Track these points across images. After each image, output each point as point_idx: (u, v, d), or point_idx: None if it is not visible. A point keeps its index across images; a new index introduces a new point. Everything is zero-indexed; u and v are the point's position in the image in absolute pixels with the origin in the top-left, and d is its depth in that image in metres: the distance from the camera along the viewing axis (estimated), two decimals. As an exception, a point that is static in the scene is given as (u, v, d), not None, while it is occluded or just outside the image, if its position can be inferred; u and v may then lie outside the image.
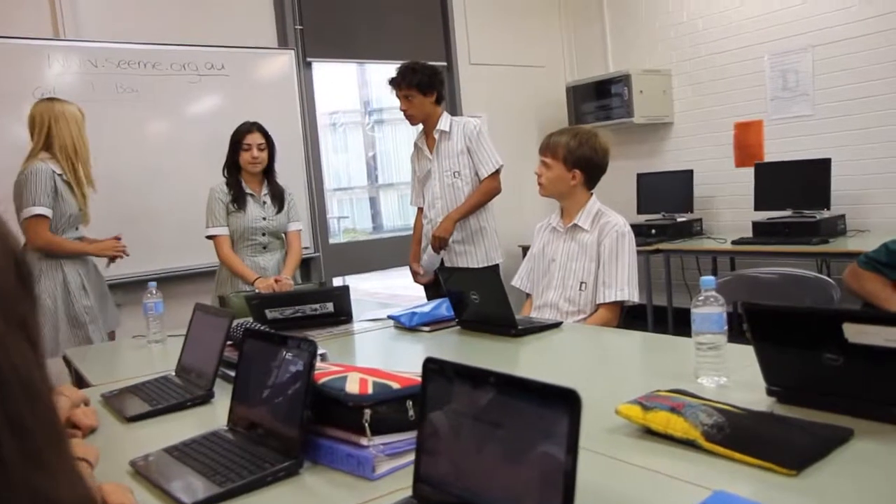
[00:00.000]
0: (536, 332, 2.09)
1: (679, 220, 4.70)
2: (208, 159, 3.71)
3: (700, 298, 1.45)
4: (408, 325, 2.29)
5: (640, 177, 5.08)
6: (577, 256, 2.38)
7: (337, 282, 4.59)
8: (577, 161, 2.35)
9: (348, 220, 7.84)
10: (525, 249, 5.12)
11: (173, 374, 1.82)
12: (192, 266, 3.90)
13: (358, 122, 10.38)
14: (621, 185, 5.15)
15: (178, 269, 3.87)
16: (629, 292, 2.30)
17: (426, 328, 2.27)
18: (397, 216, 11.77)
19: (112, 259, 3.07)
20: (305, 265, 4.39)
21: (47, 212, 2.81)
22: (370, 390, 1.15)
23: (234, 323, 1.71)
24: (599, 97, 5.15)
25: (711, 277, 1.46)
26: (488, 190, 3.25)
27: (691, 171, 4.76)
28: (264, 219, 3.15)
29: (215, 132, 3.99)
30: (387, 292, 6.58)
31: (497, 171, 3.25)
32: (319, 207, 4.54)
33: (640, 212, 5.02)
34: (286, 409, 1.20)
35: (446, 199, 3.28)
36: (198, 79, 4.02)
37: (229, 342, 1.70)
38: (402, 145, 11.80)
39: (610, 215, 2.38)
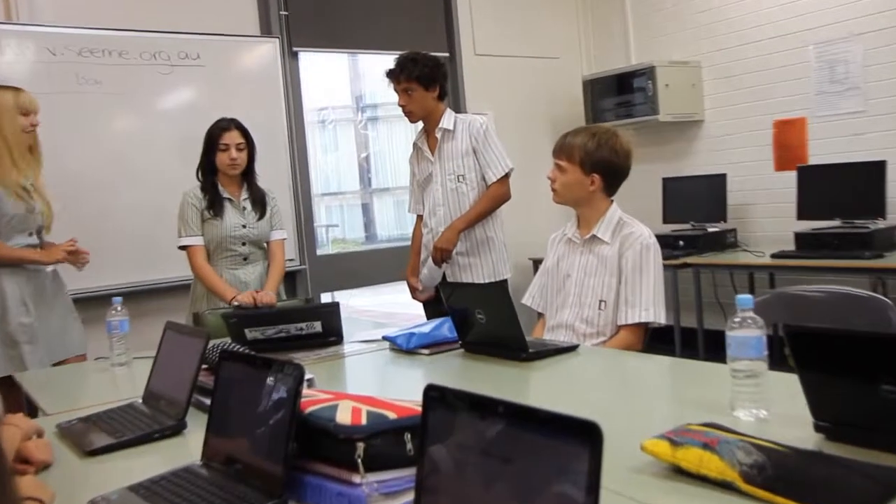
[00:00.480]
0: (550, 357, 2.09)
1: (710, 230, 4.70)
2: (181, 160, 3.74)
3: (736, 319, 1.45)
4: (405, 347, 2.29)
5: (666, 182, 5.09)
6: (596, 271, 2.38)
7: (325, 298, 4.59)
8: (596, 164, 2.36)
9: (338, 229, 7.86)
10: (536, 263, 5.13)
11: (140, 401, 1.82)
12: (162, 279, 3.90)
13: (350, 120, 10.41)
14: (644, 191, 5.15)
15: (146, 282, 3.87)
16: (655, 312, 2.30)
17: (425, 351, 2.27)
18: (393, 225, 11.79)
19: (77, 267, 3.04)
20: (290, 279, 4.39)
21: None
22: (364, 421, 1.15)
23: (210, 344, 1.71)
24: (620, 92, 5.17)
25: (749, 296, 1.46)
26: (496, 196, 3.26)
27: (724, 176, 4.77)
28: (244, 226, 3.16)
29: (189, 130, 4.01)
30: (381, 310, 6.59)
31: (506, 176, 3.27)
32: (306, 215, 4.55)
33: (665, 221, 5.02)
34: (268, 442, 1.20)
35: (449, 205, 3.29)
36: (170, 69, 4.04)
37: (204, 366, 1.70)
38: (399, 145, 11.82)
39: (633, 225, 2.39)
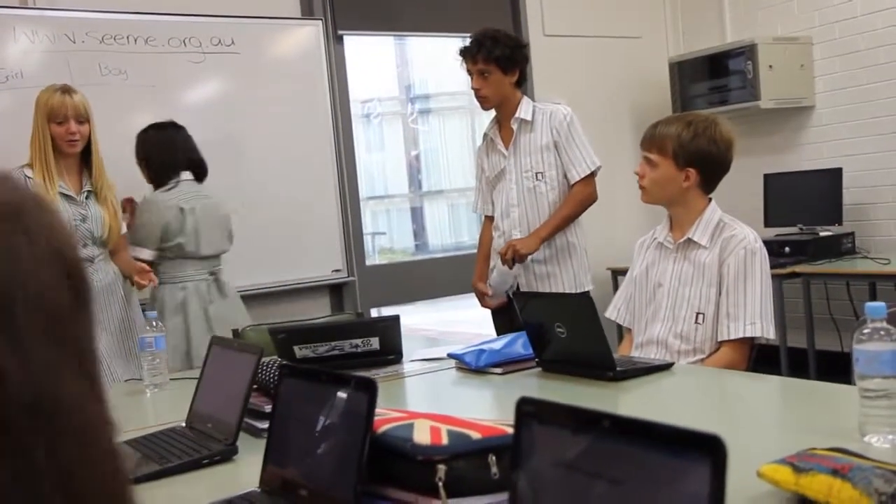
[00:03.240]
0: (641, 376, 2.11)
1: (822, 234, 4.64)
2: (214, 157, 3.85)
3: (865, 331, 1.45)
4: (474, 365, 2.33)
5: (768, 178, 5.04)
6: (692, 280, 2.39)
7: (376, 314, 4.66)
8: (692, 157, 2.37)
9: (385, 238, 7.96)
10: (616, 273, 5.14)
11: (183, 424, 1.89)
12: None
13: (397, 113, 10.52)
14: (743, 190, 5.09)
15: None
16: (762, 327, 2.30)
17: (497, 370, 2.30)
18: (447, 232, 11.85)
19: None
20: (336, 293, 4.48)
21: None
22: (444, 440, 1.19)
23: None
24: (714, 75, 5.15)
25: (881, 304, 1.46)
26: (583, 198, 3.29)
27: (839, 171, 4.70)
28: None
29: (223, 124, 4.15)
30: (439, 328, 6.66)
31: (593, 174, 3.30)
32: (354, 221, 4.62)
33: (768, 224, 4.97)
34: (336, 466, 1.24)
35: (526, 206, 3.32)
36: (202, 57, 4.16)
37: (255, 386, 1.76)
38: (454, 141, 11.91)
39: (735, 227, 2.39)
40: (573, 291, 3.30)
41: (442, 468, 1.17)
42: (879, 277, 4.25)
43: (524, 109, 3.31)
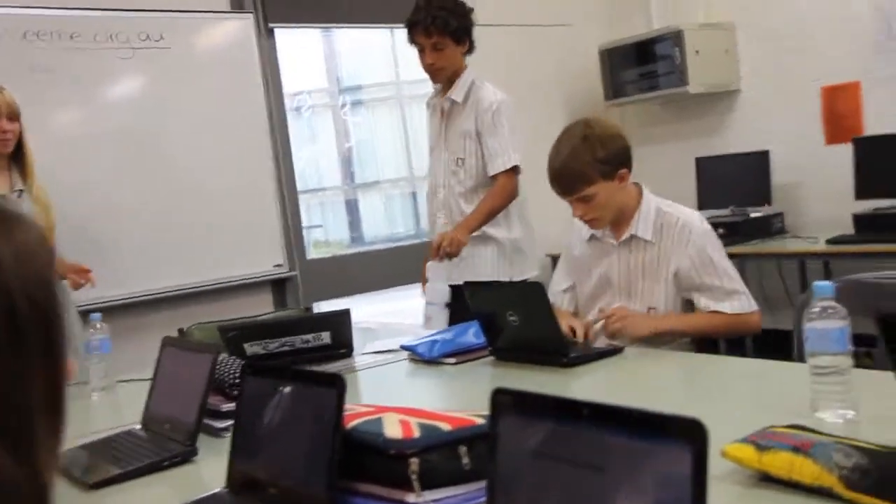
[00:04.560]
0: (594, 361, 2.13)
1: (753, 215, 4.75)
2: (146, 153, 3.79)
3: (815, 309, 1.49)
4: (427, 356, 2.33)
5: (699, 162, 5.14)
6: (642, 276, 2.39)
7: (318, 308, 4.63)
8: (615, 161, 2.33)
9: (320, 231, 7.89)
10: (555, 260, 5.18)
11: (139, 427, 1.85)
12: (133, 293, 3.93)
13: (328, 105, 10.43)
14: (675, 173, 5.19)
15: (114, 297, 3.87)
16: (748, 301, 2.33)
17: (451, 360, 2.31)
18: (382, 224, 11.81)
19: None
20: (279, 287, 4.43)
21: None
22: (416, 433, 1.19)
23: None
24: (642, 62, 5.22)
25: (828, 283, 1.50)
26: (504, 190, 3.13)
27: (767, 153, 4.81)
28: None
29: (155, 120, 4.06)
30: (381, 319, 6.61)
31: (512, 170, 3.14)
32: (293, 215, 4.57)
33: (701, 206, 5.04)
34: (307, 463, 1.23)
35: (448, 189, 3.24)
36: (130, 53, 4.07)
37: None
38: (385, 133, 11.83)
39: (674, 213, 2.38)
40: (493, 279, 3.15)
41: (415, 461, 1.17)
42: (809, 256, 4.37)
43: (458, 89, 3.19)
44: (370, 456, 1.21)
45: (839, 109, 4.67)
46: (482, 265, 3.18)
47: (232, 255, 4.21)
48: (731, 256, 4.29)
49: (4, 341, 0.58)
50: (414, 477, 1.16)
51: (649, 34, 5.21)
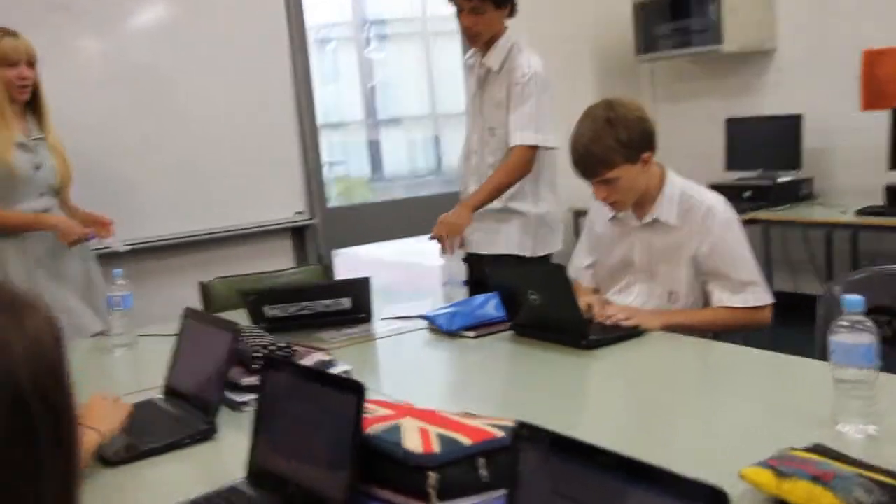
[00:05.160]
0: (613, 343, 2.13)
1: (782, 179, 4.69)
2: (165, 89, 3.75)
3: (843, 323, 1.47)
4: (446, 328, 2.34)
5: (729, 123, 5.05)
6: (664, 260, 2.37)
7: (338, 255, 4.64)
8: (639, 144, 2.29)
9: (341, 167, 7.87)
10: (579, 214, 5.15)
11: (159, 396, 1.87)
12: (154, 237, 3.94)
13: (351, 39, 10.30)
14: (704, 133, 5.13)
15: (138, 239, 3.86)
16: (763, 294, 2.30)
17: (470, 333, 2.31)
18: (404, 161, 11.75)
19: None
20: (299, 234, 4.43)
21: None
22: (436, 448, 1.19)
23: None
24: (676, 17, 5.09)
25: (858, 297, 1.47)
26: (515, 166, 3.01)
27: (799, 117, 4.72)
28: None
29: (174, 58, 4.01)
30: (401, 259, 6.60)
31: (529, 147, 3.01)
32: (314, 162, 4.54)
33: (729, 167, 5.00)
34: (326, 466, 1.24)
35: (480, 156, 3.18)
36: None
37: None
38: (409, 70, 11.67)
39: (699, 197, 2.34)
40: (514, 254, 3.10)
41: (434, 476, 1.18)
42: (837, 226, 4.32)
43: (494, 56, 3.08)
44: (389, 464, 1.22)
45: (880, 74, 4.55)
46: (504, 240, 3.12)
47: (253, 201, 4.21)
48: (757, 222, 4.34)
49: (15, 435, 0.58)
50: (432, 491, 1.17)
51: (686, -13, 5.08)
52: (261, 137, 4.24)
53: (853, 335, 1.47)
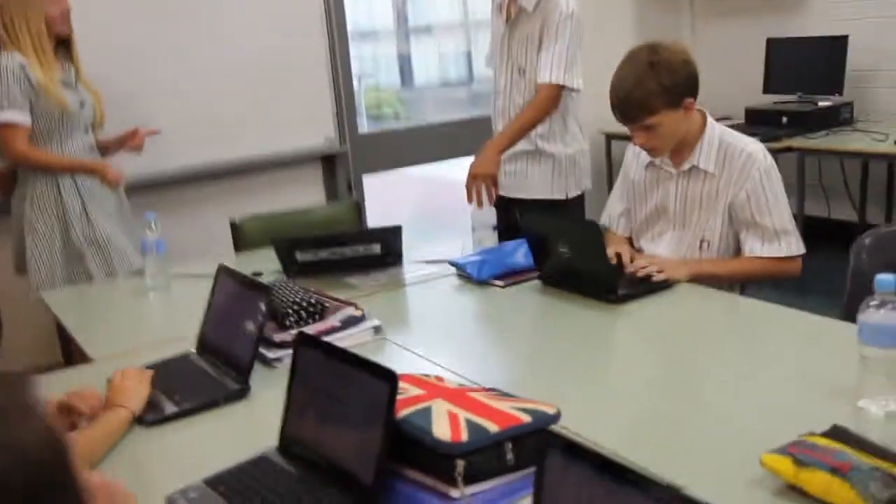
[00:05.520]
0: (642, 297, 2.15)
1: (821, 104, 4.59)
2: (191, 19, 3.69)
3: (873, 302, 1.48)
4: (476, 277, 2.36)
5: (770, 43, 4.92)
6: (699, 207, 2.35)
7: (368, 181, 4.64)
8: (681, 90, 2.24)
9: (371, 79, 7.80)
10: (610, 138, 5.10)
11: (193, 351, 1.93)
12: (173, 168, 3.95)
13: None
14: (744, 54, 5.00)
15: (157, 172, 3.87)
16: (796, 244, 2.29)
17: (499, 283, 2.34)
18: (434, 70, 11.59)
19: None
20: (330, 161, 4.43)
21: (21, 118, 2.88)
22: (464, 436, 1.23)
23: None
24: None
25: (890, 276, 1.48)
26: (542, 104, 2.98)
27: (845, 38, 4.58)
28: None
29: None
30: (434, 181, 6.56)
31: (559, 86, 2.97)
32: (346, 84, 4.50)
33: (767, 90, 4.90)
34: (357, 449, 1.29)
35: (508, 96, 3.14)
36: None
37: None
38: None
39: (738, 145, 2.31)
40: (547, 197, 3.10)
41: (461, 463, 1.22)
42: (874, 156, 4.24)
43: None
44: (418, 447, 1.26)
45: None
46: (537, 183, 3.11)
47: (284, 129, 4.21)
48: (790, 150, 4.26)
49: None
50: (459, 477, 1.22)
51: None
52: (291, 64, 4.23)
53: (882, 314, 1.47)
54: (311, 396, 1.41)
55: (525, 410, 1.31)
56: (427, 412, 1.30)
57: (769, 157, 2.32)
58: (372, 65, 8.15)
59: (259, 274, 2.44)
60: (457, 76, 11.01)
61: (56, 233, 3.00)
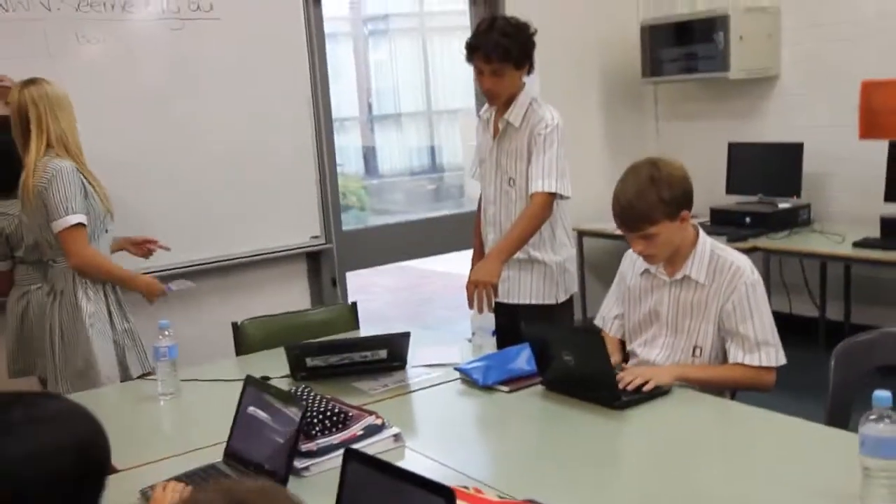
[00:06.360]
0: (643, 403, 2.27)
1: (781, 206, 4.85)
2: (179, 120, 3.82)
3: (872, 416, 1.61)
4: (481, 383, 2.46)
5: (732, 147, 5.20)
6: (691, 315, 2.51)
7: (352, 277, 4.74)
8: (679, 203, 2.43)
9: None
10: (582, 235, 5.27)
11: (221, 462, 1.99)
12: (163, 265, 3.96)
13: (348, 34, 10.38)
14: (707, 155, 5.25)
15: (146, 268, 3.92)
16: (776, 355, 2.43)
17: (504, 388, 2.44)
18: (397, 157, 11.82)
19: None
20: (314, 257, 4.55)
21: (84, 219, 3.00)
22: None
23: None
24: (683, 42, 5.23)
25: (887, 393, 1.62)
26: (537, 213, 3.11)
27: (801, 146, 4.87)
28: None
29: (190, 83, 4.11)
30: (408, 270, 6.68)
31: (550, 194, 3.12)
32: (331, 182, 4.64)
33: (730, 191, 5.16)
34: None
35: (499, 207, 3.30)
36: (181, 25, 4.07)
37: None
38: (408, 62, 11.67)
39: (728, 258, 2.48)
40: (539, 303, 3.25)
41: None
42: (831, 258, 4.50)
43: (515, 112, 3.18)
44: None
45: (877, 106, 4.69)
46: (529, 289, 3.26)
47: (271, 226, 4.33)
48: (756, 250, 4.48)
49: None
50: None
51: (694, 15, 5.24)
52: (279, 165, 4.36)
53: (882, 428, 1.61)
54: (359, 510, 1.49)
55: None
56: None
57: (756, 273, 2.49)
58: (338, 154, 8.35)
59: (268, 378, 2.52)
60: (420, 166, 11.27)
61: (107, 326, 3.08)
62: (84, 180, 3.03)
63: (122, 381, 3.04)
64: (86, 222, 3.00)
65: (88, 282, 3.06)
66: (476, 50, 3.10)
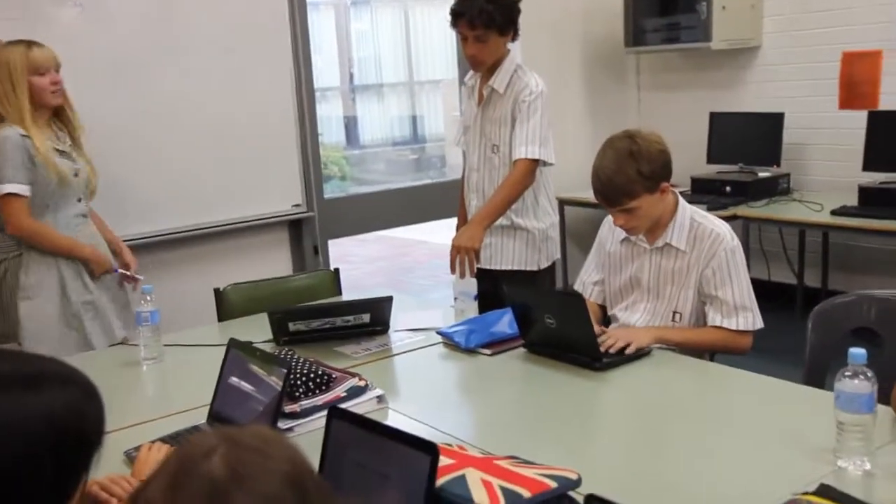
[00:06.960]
0: (624, 365, 2.30)
1: (761, 175, 4.89)
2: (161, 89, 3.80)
3: (847, 373, 1.65)
4: (463, 346, 2.49)
5: (713, 117, 5.23)
6: (672, 280, 2.54)
7: (335, 245, 4.75)
8: (658, 175, 2.45)
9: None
10: (563, 203, 5.29)
11: (204, 423, 2.00)
12: (147, 232, 4.02)
13: (330, 4, 10.30)
14: (689, 125, 5.28)
15: (132, 235, 3.91)
16: (753, 319, 2.47)
17: (486, 351, 2.47)
18: (378, 127, 11.77)
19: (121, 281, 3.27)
20: (296, 225, 4.55)
21: (22, 189, 2.94)
22: (502, 503, 1.35)
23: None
24: (666, 12, 5.23)
25: (862, 350, 1.65)
26: (520, 179, 3.14)
27: (781, 115, 4.91)
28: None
29: (172, 49, 4.08)
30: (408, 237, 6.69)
31: (533, 161, 3.15)
32: (313, 151, 4.64)
33: (711, 161, 5.19)
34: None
35: (483, 173, 3.31)
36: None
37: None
38: (390, 32, 11.61)
39: (708, 225, 2.51)
40: (521, 269, 3.28)
41: (499, 527, 1.34)
42: (810, 226, 4.55)
43: (500, 78, 3.20)
44: (457, 513, 1.37)
45: (857, 76, 4.74)
46: (512, 255, 3.29)
47: (253, 196, 4.32)
48: (736, 218, 4.52)
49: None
50: (498, 541, 1.33)
51: (676, -18, 5.22)
52: (260, 134, 4.34)
53: (856, 384, 1.65)
54: (346, 469, 1.51)
55: (550, 476, 1.44)
56: (462, 480, 1.41)
57: (735, 239, 2.52)
58: (320, 124, 8.33)
59: (251, 343, 2.52)
60: (402, 136, 11.24)
61: (56, 297, 3.03)
62: (33, 149, 2.94)
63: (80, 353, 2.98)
64: (25, 192, 2.94)
65: (34, 252, 3.02)
66: (460, 16, 3.09)
